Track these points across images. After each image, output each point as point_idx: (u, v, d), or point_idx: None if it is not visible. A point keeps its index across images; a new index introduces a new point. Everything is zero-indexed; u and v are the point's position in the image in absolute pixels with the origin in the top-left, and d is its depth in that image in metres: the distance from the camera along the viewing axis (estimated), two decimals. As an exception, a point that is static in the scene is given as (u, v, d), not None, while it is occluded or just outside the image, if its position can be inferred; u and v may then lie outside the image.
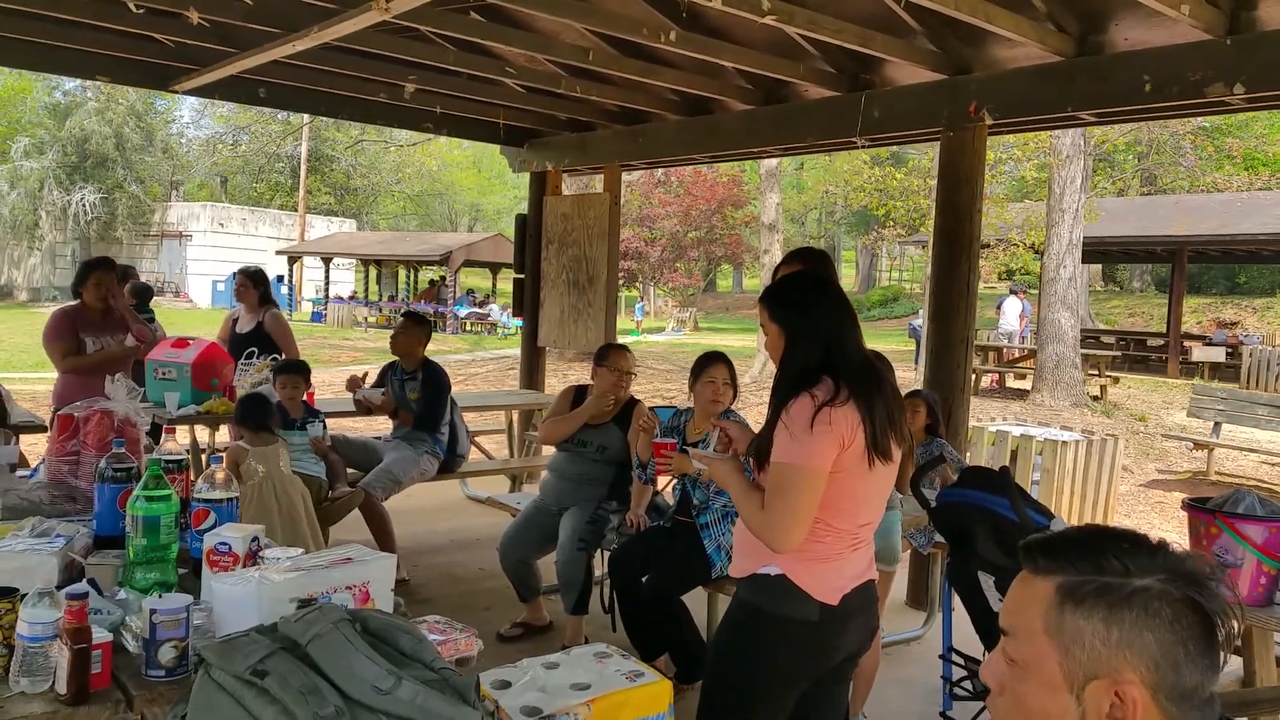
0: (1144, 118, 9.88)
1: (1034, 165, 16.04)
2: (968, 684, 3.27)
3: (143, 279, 7.56)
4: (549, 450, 6.73)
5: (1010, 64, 4.51)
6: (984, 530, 2.88)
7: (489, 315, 25.77)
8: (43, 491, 2.84)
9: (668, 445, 3.35)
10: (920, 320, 17.98)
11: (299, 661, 1.51)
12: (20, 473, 3.40)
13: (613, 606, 3.83)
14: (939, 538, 4.45)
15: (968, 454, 5.42)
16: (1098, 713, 0.97)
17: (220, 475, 2.29)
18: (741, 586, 2.25)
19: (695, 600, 3.71)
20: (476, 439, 7.16)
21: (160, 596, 1.87)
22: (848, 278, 43.00)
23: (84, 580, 2.11)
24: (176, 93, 5.36)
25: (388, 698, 1.47)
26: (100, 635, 1.78)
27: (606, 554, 4.08)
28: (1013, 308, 16.47)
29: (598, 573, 4.27)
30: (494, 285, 30.14)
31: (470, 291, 28.45)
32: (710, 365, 3.63)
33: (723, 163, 12.53)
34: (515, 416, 7.39)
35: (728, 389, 3.62)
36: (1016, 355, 16.09)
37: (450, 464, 5.23)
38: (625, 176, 7.88)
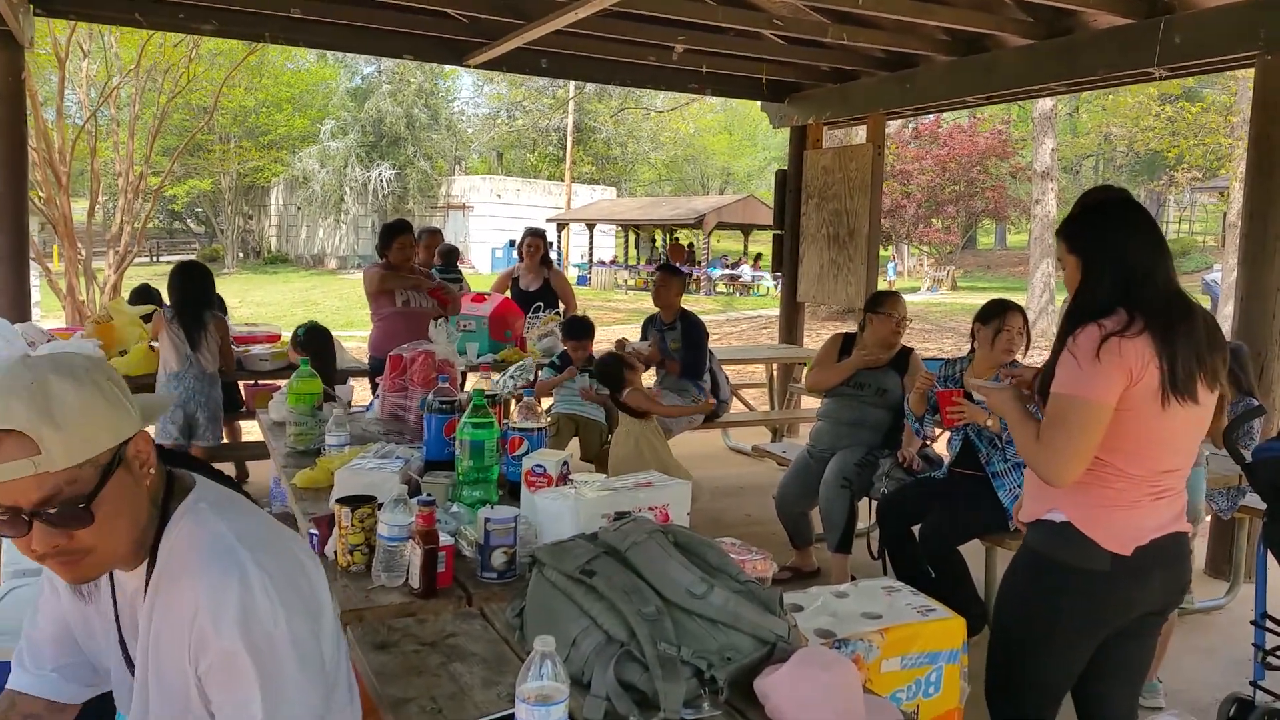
0: None
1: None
2: (1286, 655, 2.99)
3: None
4: (809, 403, 6.78)
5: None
6: (1312, 488, 2.61)
7: (740, 276, 25.99)
8: (378, 423, 3.27)
9: (956, 393, 3.29)
10: (1215, 275, 16.10)
11: (621, 565, 1.68)
12: (353, 409, 3.91)
13: (883, 553, 3.83)
14: (1245, 501, 4.08)
15: (1277, 417, 4.88)
16: None
17: (539, 409, 2.55)
18: (1029, 532, 2.17)
19: (970, 554, 3.64)
20: (737, 392, 7.32)
21: (492, 508, 2.11)
22: (1130, 230, 39.12)
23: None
24: (469, 67, 5.83)
25: (701, 601, 1.59)
26: (444, 540, 2.04)
27: (874, 503, 4.09)
28: None
29: (865, 523, 4.28)
30: (745, 246, 30.30)
31: (723, 256, 28.87)
32: (1005, 312, 3.54)
33: (996, 104, 11.82)
34: (775, 370, 7.47)
35: (1021, 338, 3.51)
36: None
37: (716, 410, 5.40)
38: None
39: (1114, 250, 2.01)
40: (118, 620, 1.46)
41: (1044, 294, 16.75)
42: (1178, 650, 3.59)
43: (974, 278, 30.28)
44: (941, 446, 4.06)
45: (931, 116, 23.84)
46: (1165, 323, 1.94)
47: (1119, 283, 1.98)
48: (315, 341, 4.52)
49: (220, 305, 5.83)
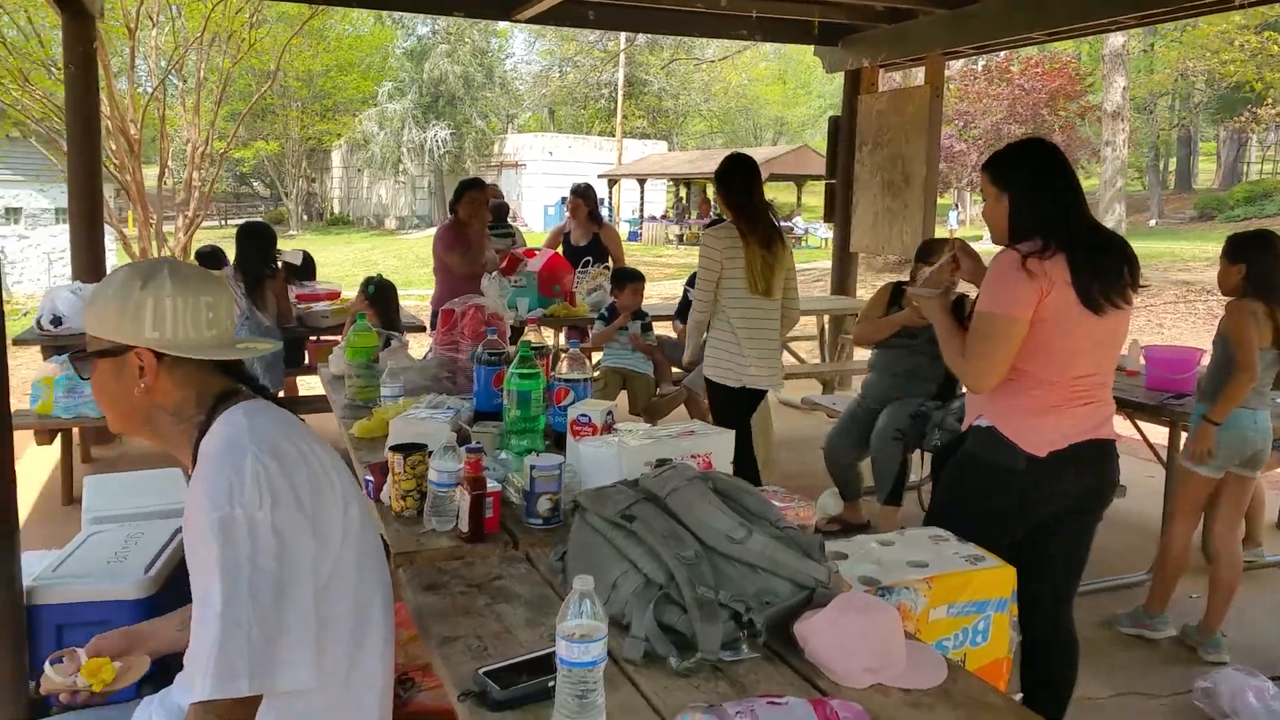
0: None
1: None
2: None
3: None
4: (861, 355, 6.70)
5: None
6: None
7: (794, 229, 25.69)
8: (435, 372, 3.32)
9: None
10: (1301, 216, 15.44)
11: (660, 510, 1.69)
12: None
13: (936, 505, 3.80)
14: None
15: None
16: None
17: (586, 361, 2.58)
18: (967, 438, 2.45)
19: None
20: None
21: (538, 456, 2.14)
22: (1206, 172, 37.55)
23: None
24: (518, 21, 5.78)
25: (740, 546, 1.60)
26: (491, 486, 2.08)
27: (926, 455, 4.04)
28: None
29: (917, 476, 4.24)
30: (798, 198, 29.83)
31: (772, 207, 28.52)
32: (939, 247, 3.82)
33: (1061, 41, 11.33)
34: (827, 321, 7.39)
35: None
36: None
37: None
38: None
39: (1036, 187, 2.29)
40: None
41: (1113, 240, 16.22)
42: (1245, 604, 3.52)
43: (1040, 225, 29.42)
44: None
45: (1003, 54, 22.98)
46: (1075, 248, 2.21)
47: (1038, 215, 2.25)
48: (384, 295, 4.88)
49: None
